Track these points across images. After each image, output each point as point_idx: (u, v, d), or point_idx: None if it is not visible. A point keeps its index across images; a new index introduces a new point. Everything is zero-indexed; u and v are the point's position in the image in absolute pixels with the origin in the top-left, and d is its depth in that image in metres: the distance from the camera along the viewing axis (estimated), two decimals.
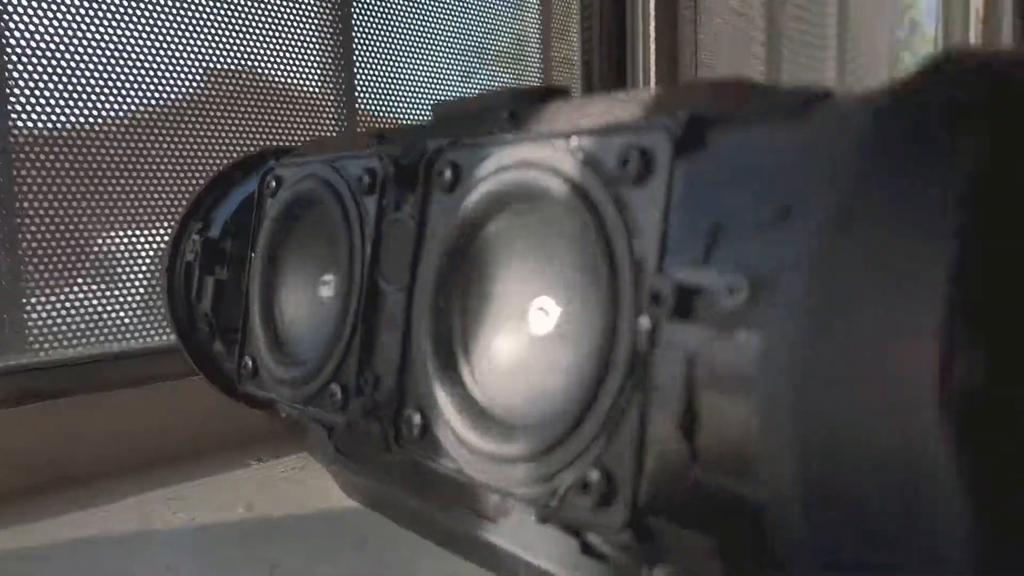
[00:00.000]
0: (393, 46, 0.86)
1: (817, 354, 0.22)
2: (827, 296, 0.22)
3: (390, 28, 0.86)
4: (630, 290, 0.30)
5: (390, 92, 0.86)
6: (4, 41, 0.62)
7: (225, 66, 0.74)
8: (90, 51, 0.66)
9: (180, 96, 0.71)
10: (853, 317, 0.21)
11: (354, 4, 0.82)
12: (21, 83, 0.63)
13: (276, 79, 0.77)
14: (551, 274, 0.36)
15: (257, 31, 0.76)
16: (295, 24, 0.78)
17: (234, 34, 0.74)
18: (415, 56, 0.88)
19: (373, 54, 0.85)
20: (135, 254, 0.70)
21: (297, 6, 0.78)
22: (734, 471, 0.25)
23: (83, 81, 0.66)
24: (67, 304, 0.66)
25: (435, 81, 0.90)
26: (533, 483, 0.33)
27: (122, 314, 0.69)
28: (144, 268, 0.70)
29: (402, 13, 0.87)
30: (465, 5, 0.93)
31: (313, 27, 0.80)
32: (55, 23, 0.64)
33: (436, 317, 0.39)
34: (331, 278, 0.50)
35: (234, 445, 0.66)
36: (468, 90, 0.94)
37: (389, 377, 0.42)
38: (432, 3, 0.90)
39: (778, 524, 0.24)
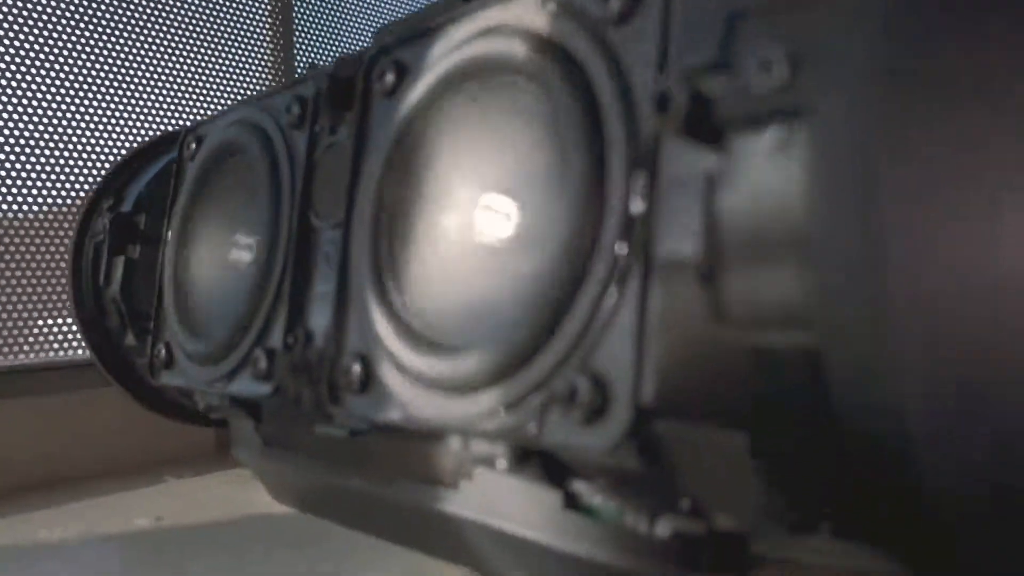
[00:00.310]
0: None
1: (911, 140, 0.15)
2: (900, 45, 0.16)
3: None
4: (621, 143, 0.24)
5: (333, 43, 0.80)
6: None
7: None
8: None
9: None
10: (941, 66, 0.15)
11: None
12: None
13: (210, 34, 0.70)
14: (512, 166, 0.29)
15: None
16: None
17: None
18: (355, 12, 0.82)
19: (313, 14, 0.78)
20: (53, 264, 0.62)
21: None
22: (776, 320, 0.18)
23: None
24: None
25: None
26: (501, 411, 0.26)
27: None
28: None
29: None
30: None
31: None
32: None
33: (377, 244, 0.33)
34: (253, 239, 0.43)
35: (151, 462, 0.57)
36: None
37: (323, 328, 0.35)
38: None
39: (843, 378, 0.17)
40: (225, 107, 0.57)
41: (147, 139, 0.57)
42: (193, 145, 0.48)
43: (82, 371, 0.58)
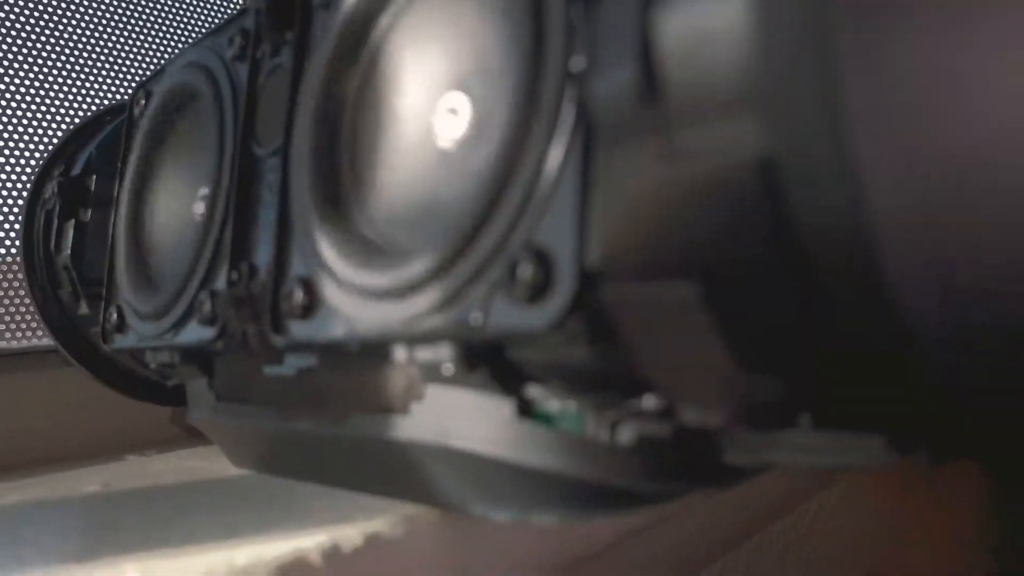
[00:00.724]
0: None
1: None
2: None
3: None
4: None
5: None
6: None
7: None
8: None
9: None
10: None
11: None
12: None
13: None
14: (463, 61, 0.27)
15: None
16: None
17: None
18: None
19: None
20: None
21: None
22: (729, 140, 0.16)
23: None
24: None
25: None
26: (444, 305, 0.24)
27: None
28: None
29: None
30: None
31: None
32: None
33: (318, 160, 0.30)
34: (197, 178, 0.41)
35: (119, 444, 0.55)
36: None
37: (266, 258, 0.33)
38: None
39: (809, 197, 0.15)
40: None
41: (100, 107, 0.54)
42: (143, 101, 0.46)
43: (42, 355, 0.55)
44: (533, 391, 0.25)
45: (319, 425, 0.33)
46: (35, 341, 0.59)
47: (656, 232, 0.19)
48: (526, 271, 0.21)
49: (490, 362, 0.24)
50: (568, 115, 0.21)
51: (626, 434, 0.24)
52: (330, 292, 0.29)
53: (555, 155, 0.21)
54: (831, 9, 0.14)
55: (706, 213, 0.17)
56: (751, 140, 0.16)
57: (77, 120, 0.60)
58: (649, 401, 0.23)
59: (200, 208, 0.41)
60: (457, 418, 0.27)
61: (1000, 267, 0.14)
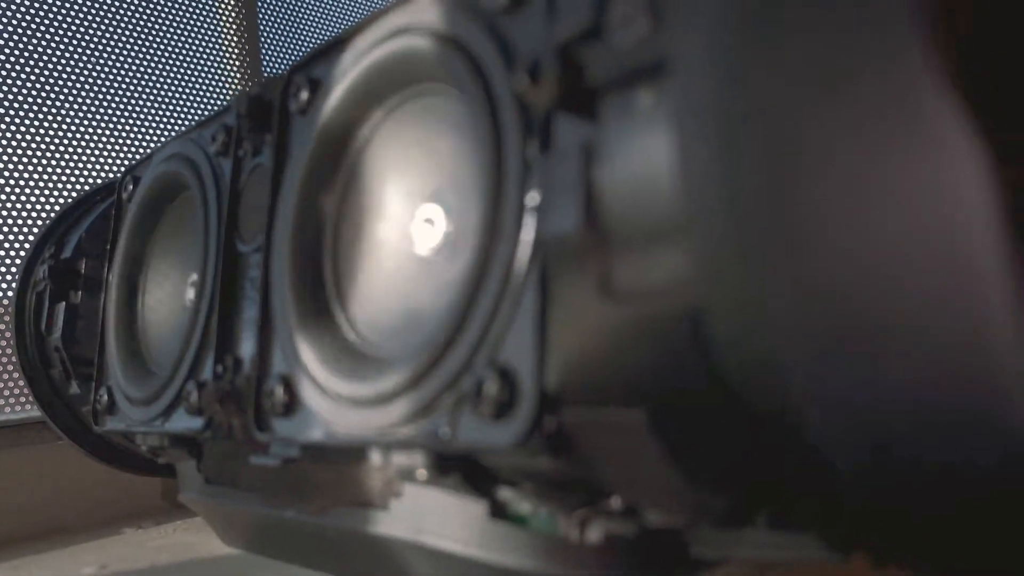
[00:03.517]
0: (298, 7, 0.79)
1: (756, 64, 0.15)
2: None
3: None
4: (516, 129, 0.23)
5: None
6: None
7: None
8: None
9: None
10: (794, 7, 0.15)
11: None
12: None
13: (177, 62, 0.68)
14: (437, 175, 0.29)
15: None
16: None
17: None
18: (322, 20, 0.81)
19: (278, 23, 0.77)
20: None
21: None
22: (661, 287, 0.18)
23: None
24: None
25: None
26: (416, 416, 0.25)
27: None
28: None
29: None
30: None
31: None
32: None
33: (298, 263, 0.32)
34: (184, 269, 0.42)
35: (114, 515, 0.55)
36: None
37: (250, 351, 0.34)
38: None
39: (728, 340, 0.16)
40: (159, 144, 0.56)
41: (88, 188, 0.56)
42: (131, 186, 0.47)
43: (33, 428, 0.56)
44: (505, 493, 0.26)
45: (303, 514, 0.34)
46: (32, 412, 0.60)
47: (604, 363, 0.20)
48: (491, 389, 0.22)
49: (462, 468, 0.26)
50: (526, 245, 0.22)
51: (595, 533, 0.25)
52: (309, 394, 0.30)
53: (516, 282, 0.22)
54: (746, 185, 0.15)
55: (645, 350, 0.18)
56: (681, 290, 0.17)
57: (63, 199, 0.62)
58: (616, 502, 0.25)
59: (188, 294, 0.42)
60: (432, 517, 0.28)
61: (898, 392, 0.15)
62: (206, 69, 0.70)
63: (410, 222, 0.30)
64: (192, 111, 0.70)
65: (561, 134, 0.20)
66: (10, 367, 0.59)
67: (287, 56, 0.77)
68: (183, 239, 0.43)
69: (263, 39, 0.75)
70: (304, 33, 0.80)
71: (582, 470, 0.23)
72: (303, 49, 0.79)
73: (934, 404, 0.14)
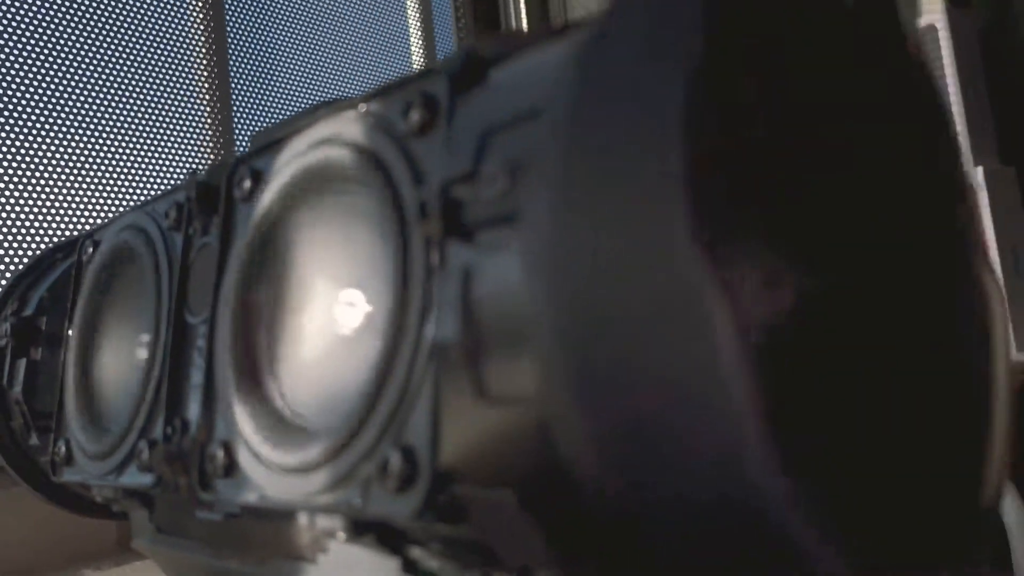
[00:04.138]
0: (270, 73, 0.83)
1: (571, 219, 0.19)
2: (572, 158, 0.19)
3: (266, 55, 0.83)
4: (420, 242, 0.27)
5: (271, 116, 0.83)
6: None
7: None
8: None
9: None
10: (600, 178, 0.19)
11: (231, 49, 0.80)
12: None
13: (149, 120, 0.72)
14: (358, 263, 0.32)
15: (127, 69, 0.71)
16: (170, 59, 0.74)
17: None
18: (293, 86, 0.85)
19: (250, 89, 0.81)
20: None
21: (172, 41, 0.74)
22: (519, 397, 0.21)
23: None
24: None
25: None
26: (334, 486, 0.29)
27: None
28: None
29: (279, 40, 0.84)
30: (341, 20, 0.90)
31: (187, 62, 0.76)
32: None
33: (238, 338, 0.35)
34: (144, 338, 0.45)
35: (73, 556, 0.58)
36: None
37: (195, 415, 0.37)
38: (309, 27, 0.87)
39: (561, 440, 0.20)
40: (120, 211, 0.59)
41: (48, 246, 0.59)
42: (91, 249, 0.50)
43: None
44: (415, 552, 0.30)
45: (244, 565, 0.37)
46: None
47: (483, 449, 0.24)
48: (396, 466, 0.26)
49: (375, 530, 0.29)
50: (426, 345, 0.26)
51: None
52: (245, 459, 0.33)
53: (417, 374, 0.26)
54: (570, 314, 0.19)
55: (511, 443, 0.22)
56: (532, 399, 0.21)
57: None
58: (514, 564, 0.28)
59: (137, 355, 0.45)
60: (354, 571, 0.31)
61: (669, 490, 0.19)
62: (179, 135, 0.73)
63: (334, 304, 0.33)
64: (164, 175, 0.73)
65: (450, 256, 0.24)
66: None
67: (257, 122, 0.81)
68: (134, 303, 0.46)
69: (235, 107, 0.79)
70: (273, 102, 0.84)
71: (476, 534, 0.27)
72: (272, 117, 0.83)
73: (697, 504, 0.17)
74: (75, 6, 0.66)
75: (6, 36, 0.64)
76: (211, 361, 0.37)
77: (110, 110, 0.70)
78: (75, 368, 0.48)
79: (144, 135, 0.72)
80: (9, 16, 0.64)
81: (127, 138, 0.71)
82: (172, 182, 0.73)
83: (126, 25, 0.71)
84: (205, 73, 0.77)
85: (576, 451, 0.20)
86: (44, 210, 0.66)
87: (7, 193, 0.64)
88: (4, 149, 0.64)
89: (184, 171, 0.73)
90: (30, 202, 0.65)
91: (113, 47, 0.70)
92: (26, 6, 0.64)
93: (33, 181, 0.65)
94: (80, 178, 0.67)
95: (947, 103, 0.28)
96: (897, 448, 0.23)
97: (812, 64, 0.25)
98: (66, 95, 0.68)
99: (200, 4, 0.77)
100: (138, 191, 0.70)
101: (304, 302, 0.34)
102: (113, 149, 0.70)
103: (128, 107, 0.71)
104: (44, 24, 0.66)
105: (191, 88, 0.76)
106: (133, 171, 0.71)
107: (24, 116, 0.66)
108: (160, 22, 0.73)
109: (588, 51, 0.21)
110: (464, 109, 0.27)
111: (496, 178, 0.21)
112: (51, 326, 0.52)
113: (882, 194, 0.27)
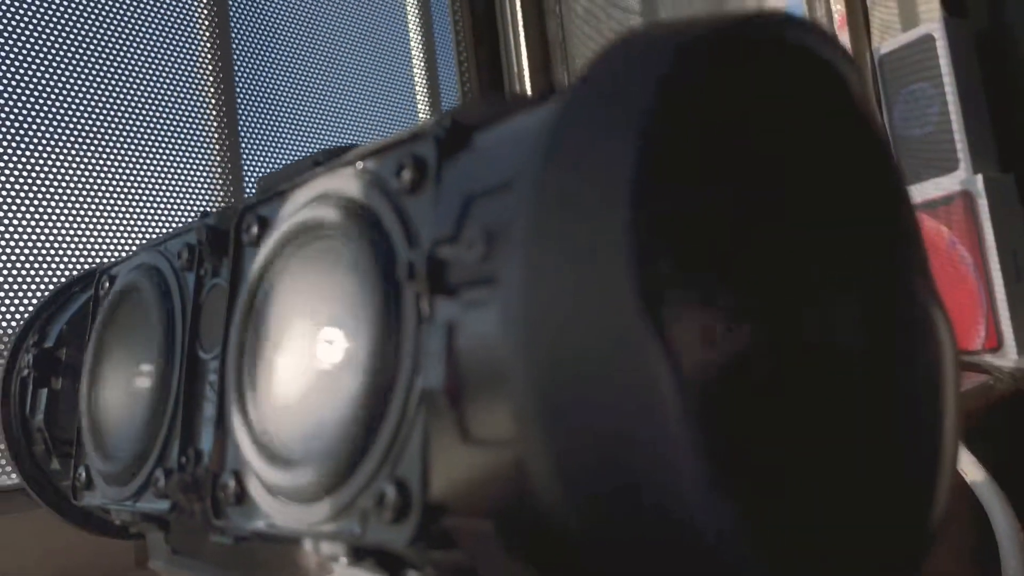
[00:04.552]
0: (278, 116, 0.87)
1: (539, 284, 0.21)
2: (539, 229, 0.22)
3: (273, 99, 0.87)
4: (411, 295, 0.29)
5: (278, 159, 0.87)
6: None
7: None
8: None
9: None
10: (561, 248, 0.21)
11: (238, 85, 0.83)
12: None
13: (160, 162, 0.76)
14: (336, 305, 0.35)
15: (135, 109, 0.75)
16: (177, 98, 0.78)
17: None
18: (300, 127, 0.89)
19: (258, 128, 0.85)
20: None
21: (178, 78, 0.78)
22: (498, 439, 0.24)
23: None
24: None
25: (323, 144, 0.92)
26: (336, 516, 0.31)
27: None
28: None
29: (286, 87, 0.88)
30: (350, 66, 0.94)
31: (195, 103, 0.80)
32: None
33: (240, 373, 0.38)
34: (151, 368, 0.48)
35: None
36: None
37: (209, 449, 0.40)
38: (316, 74, 0.91)
39: (534, 477, 0.23)
40: (135, 249, 0.63)
41: (66, 279, 0.62)
42: (107, 284, 0.53)
43: (23, 495, 0.62)
44: (412, 575, 0.32)
45: None
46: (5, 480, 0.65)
47: (467, 484, 0.26)
48: (391, 498, 0.29)
49: (375, 556, 0.32)
50: (416, 391, 0.28)
51: None
52: (253, 486, 0.36)
53: (409, 416, 0.29)
54: (541, 365, 0.22)
55: (492, 480, 0.25)
56: (509, 443, 0.23)
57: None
58: None
59: (148, 384, 0.48)
60: None
61: (623, 525, 0.21)
62: (189, 172, 0.77)
63: (315, 341, 0.36)
64: (176, 210, 0.76)
65: (436, 310, 0.27)
66: None
67: (264, 157, 0.84)
68: (146, 337, 0.49)
69: (244, 148, 0.82)
70: (278, 136, 0.87)
71: (465, 560, 0.29)
72: (277, 151, 0.86)
73: (646, 537, 0.20)
74: (96, 54, 0.70)
75: (27, 78, 0.67)
76: (222, 395, 0.39)
77: (123, 149, 0.73)
78: (88, 395, 0.51)
79: (156, 172, 0.75)
80: (30, 59, 0.67)
81: (140, 175, 0.74)
82: (182, 216, 0.77)
83: (139, 70, 0.75)
84: (214, 113, 0.81)
85: (545, 486, 0.22)
86: (63, 245, 0.69)
87: (28, 231, 0.67)
88: (25, 191, 0.68)
89: (194, 206, 0.77)
90: (50, 238, 0.68)
91: (126, 89, 0.74)
92: (45, 52, 0.68)
93: (53, 218, 0.68)
94: (96, 215, 0.71)
95: (886, 140, 0.30)
96: (836, 481, 0.25)
97: (753, 128, 0.27)
98: (82, 136, 0.72)
99: (208, 48, 0.80)
100: (150, 226, 0.74)
101: (289, 341, 0.37)
102: (127, 186, 0.73)
103: (141, 147, 0.74)
104: (61, 70, 0.69)
105: (201, 129, 0.79)
106: (146, 207, 0.74)
107: (39, 154, 0.69)
108: (172, 66, 0.77)
109: (554, 125, 0.24)
110: (451, 172, 0.29)
111: (475, 243, 0.24)
112: (70, 357, 0.55)
113: (821, 239, 0.29)
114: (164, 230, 0.75)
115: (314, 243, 0.35)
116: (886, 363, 0.29)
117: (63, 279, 0.69)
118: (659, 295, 0.20)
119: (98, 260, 0.70)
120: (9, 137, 0.67)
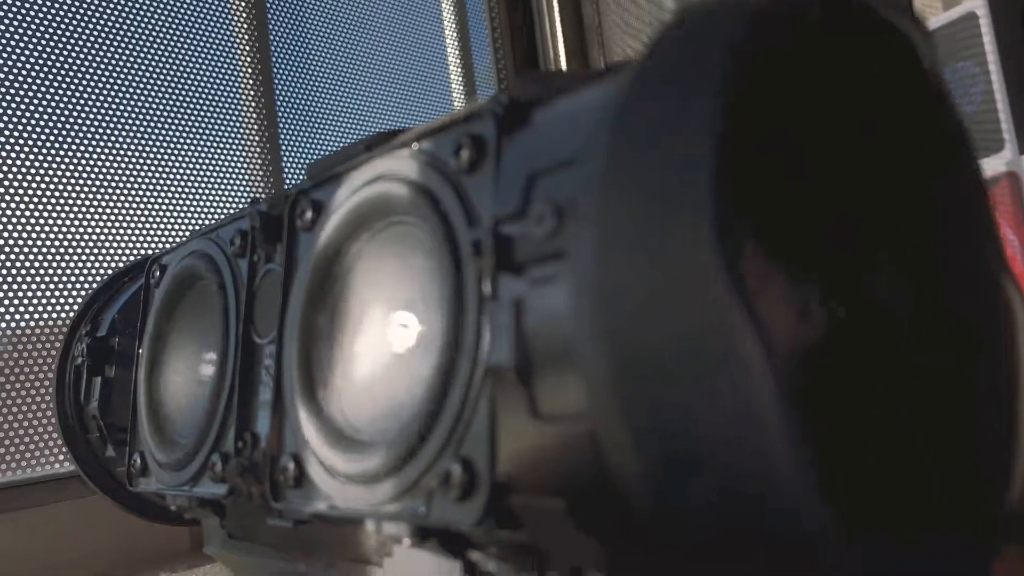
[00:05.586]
0: (315, 103, 0.88)
1: (614, 257, 0.21)
2: (612, 206, 0.21)
3: (310, 87, 0.87)
4: (474, 272, 0.29)
5: (315, 145, 0.87)
6: None
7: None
8: None
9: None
10: (637, 221, 0.21)
11: (276, 81, 0.84)
12: None
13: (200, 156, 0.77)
14: (410, 287, 0.35)
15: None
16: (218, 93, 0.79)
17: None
18: (339, 118, 0.89)
19: (297, 120, 0.86)
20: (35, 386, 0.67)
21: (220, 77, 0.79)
22: (569, 414, 0.24)
23: None
24: None
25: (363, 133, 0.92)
26: (399, 496, 0.31)
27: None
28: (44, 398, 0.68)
29: (325, 78, 0.88)
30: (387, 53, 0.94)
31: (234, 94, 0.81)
32: None
33: (303, 358, 0.38)
34: (211, 357, 0.48)
35: (148, 560, 0.62)
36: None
37: (267, 432, 0.40)
38: (354, 63, 0.91)
39: (612, 451, 0.22)
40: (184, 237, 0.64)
41: (117, 268, 0.63)
42: (158, 273, 0.54)
43: (75, 482, 0.63)
44: (475, 554, 0.32)
45: (313, 568, 0.40)
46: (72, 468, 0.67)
47: (536, 462, 0.26)
48: (456, 477, 0.29)
49: (438, 536, 0.32)
50: (481, 367, 0.28)
51: None
52: (314, 469, 0.36)
53: (474, 393, 0.28)
54: (617, 339, 0.21)
55: (562, 457, 0.25)
56: (582, 417, 0.23)
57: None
58: (564, 565, 0.31)
59: (204, 372, 0.49)
60: (417, 573, 0.34)
61: (707, 492, 0.21)
62: (229, 167, 0.78)
63: (388, 325, 0.36)
64: (217, 202, 0.78)
65: (502, 286, 0.27)
66: (50, 428, 0.66)
67: (304, 156, 0.85)
68: (200, 324, 0.50)
69: (283, 142, 0.83)
70: (317, 140, 0.88)
71: (531, 539, 0.29)
72: (315, 143, 0.87)
73: (729, 514, 0.20)
74: (135, 52, 0.71)
75: (78, 81, 0.68)
76: (279, 379, 0.40)
77: (166, 144, 0.74)
78: (146, 385, 0.52)
79: (199, 165, 0.76)
80: (79, 62, 0.69)
81: (184, 168, 0.75)
82: (224, 206, 0.78)
83: (179, 63, 0.76)
84: (253, 104, 0.81)
85: (620, 461, 0.22)
86: (110, 237, 0.70)
87: (78, 224, 0.68)
88: (76, 191, 0.69)
89: (234, 195, 0.78)
90: (97, 229, 0.69)
91: (167, 84, 0.75)
92: (90, 52, 0.69)
93: (99, 211, 0.70)
94: (140, 207, 0.72)
95: (960, 115, 0.29)
96: (919, 457, 0.25)
97: (826, 97, 0.27)
98: (126, 132, 0.73)
99: (247, 39, 0.81)
100: (195, 217, 0.75)
101: (361, 325, 0.37)
102: (171, 179, 0.74)
103: (183, 140, 0.75)
104: (104, 69, 0.70)
105: (241, 122, 0.80)
106: (189, 198, 0.75)
107: (87, 153, 0.70)
108: (210, 58, 0.78)
109: (623, 99, 0.23)
110: (511, 149, 0.29)
111: (544, 218, 0.24)
112: (123, 345, 0.56)
113: (900, 215, 0.29)
114: (206, 220, 0.76)
115: (371, 223, 0.36)
116: (959, 339, 0.29)
117: (110, 270, 0.70)
118: (745, 267, 0.19)
119: (142, 251, 0.71)
120: (61, 138, 0.69)
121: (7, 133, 0.67)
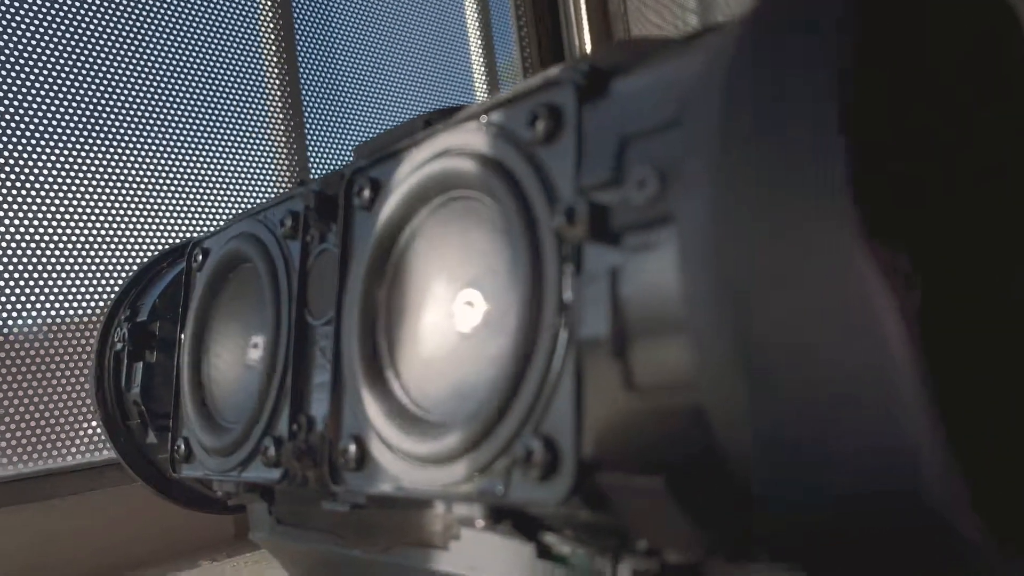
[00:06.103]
0: (339, 93, 0.87)
1: (735, 220, 0.20)
2: (731, 165, 0.21)
3: (337, 80, 0.87)
4: (552, 245, 0.28)
5: (342, 144, 0.87)
6: None
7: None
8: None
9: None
10: (761, 179, 0.20)
11: (301, 71, 0.83)
12: None
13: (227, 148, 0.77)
14: (475, 264, 0.34)
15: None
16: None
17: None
18: (364, 109, 0.89)
19: (323, 113, 0.85)
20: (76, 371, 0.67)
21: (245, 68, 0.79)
22: (670, 385, 0.23)
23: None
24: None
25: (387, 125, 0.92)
26: (474, 475, 0.30)
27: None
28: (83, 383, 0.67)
29: (350, 68, 0.88)
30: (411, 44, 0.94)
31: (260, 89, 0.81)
32: None
33: (365, 338, 0.37)
34: (261, 339, 0.48)
35: (190, 548, 0.61)
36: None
37: (323, 414, 0.40)
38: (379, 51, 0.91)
39: (723, 425, 0.21)
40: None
41: (155, 253, 0.62)
42: (200, 257, 0.53)
43: (115, 469, 0.62)
44: (549, 538, 0.31)
45: (369, 553, 0.39)
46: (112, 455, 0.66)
47: (628, 439, 0.25)
48: (538, 455, 0.28)
49: (512, 517, 0.31)
50: (563, 341, 0.27)
51: (625, 570, 0.30)
52: (378, 450, 0.35)
53: (555, 369, 0.28)
54: (734, 306, 0.20)
55: (661, 431, 0.24)
56: (686, 389, 0.22)
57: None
58: (641, 544, 0.30)
59: (254, 355, 0.48)
60: (487, 557, 0.33)
61: (827, 468, 0.20)
62: (256, 155, 0.77)
63: (452, 304, 0.35)
64: (245, 196, 0.78)
65: (590, 256, 0.26)
66: (82, 417, 0.65)
67: (329, 146, 0.85)
68: (247, 306, 0.49)
69: (308, 132, 0.82)
70: (341, 128, 0.87)
71: (613, 520, 0.28)
72: (340, 141, 0.87)
73: (858, 494, 0.19)
74: (160, 46, 0.71)
75: (111, 76, 0.68)
76: (338, 360, 0.39)
77: (194, 135, 0.74)
78: (190, 369, 0.51)
79: (225, 153, 0.76)
80: (113, 55, 0.68)
81: (211, 158, 0.75)
82: (253, 193, 0.78)
83: (206, 54, 0.76)
84: (279, 94, 0.81)
85: (732, 435, 0.21)
86: (142, 224, 0.70)
87: (114, 213, 0.68)
88: (111, 182, 0.69)
89: (262, 185, 0.78)
90: (131, 217, 0.69)
91: (194, 76, 0.75)
92: (119, 47, 0.68)
93: (133, 200, 0.69)
94: (173, 193, 0.71)
95: None
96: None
97: (934, 64, 0.26)
98: (157, 123, 0.72)
99: (274, 33, 0.80)
100: (225, 205, 0.75)
101: (428, 303, 0.36)
102: (200, 168, 0.74)
103: (211, 131, 0.75)
104: (133, 63, 0.70)
105: (267, 113, 0.80)
106: (218, 185, 0.75)
107: (123, 145, 0.70)
108: (237, 48, 0.78)
109: (732, 60, 0.22)
110: (594, 118, 0.28)
111: (647, 183, 0.23)
112: (164, 330, 0.55)
113: (994, 186, 0.28)
114: (235, 208, 0.76)
115: (436, 199, 0.35)
116: None
117: (144, 257, 0.70)
118: (881, 241, 0.18)
119: (169, 239, 0.71)
120: (99, 129, 0.68)
121: (45, 124, 0.67)
